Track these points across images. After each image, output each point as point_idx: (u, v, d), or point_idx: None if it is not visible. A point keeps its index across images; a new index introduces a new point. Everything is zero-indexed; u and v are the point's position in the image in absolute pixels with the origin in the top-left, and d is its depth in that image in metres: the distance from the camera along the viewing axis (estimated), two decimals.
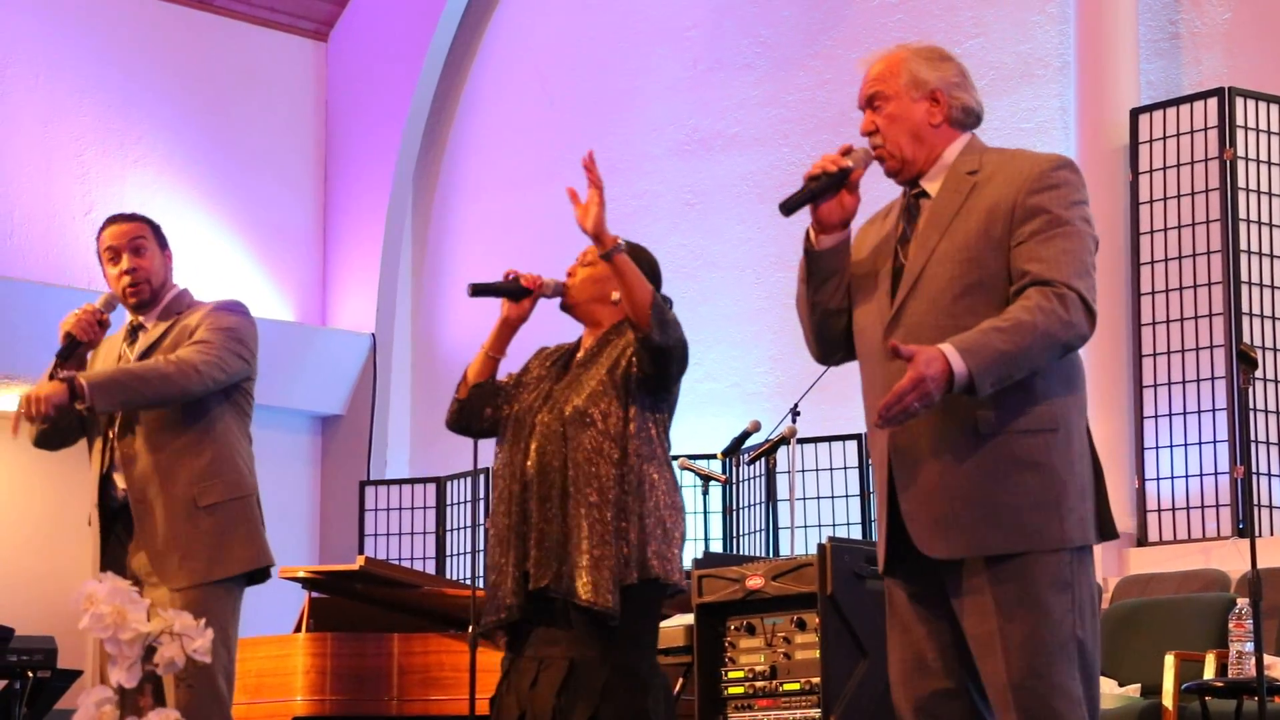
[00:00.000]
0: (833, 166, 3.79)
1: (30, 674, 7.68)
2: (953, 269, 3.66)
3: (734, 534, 9.95)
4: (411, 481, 11.53)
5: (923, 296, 3.69)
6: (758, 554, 9.23)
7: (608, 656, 4.48)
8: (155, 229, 5.28)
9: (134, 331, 5.21)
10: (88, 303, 5.12)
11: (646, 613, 4.56)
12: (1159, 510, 8.55)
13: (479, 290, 4.79)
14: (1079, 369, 3.70)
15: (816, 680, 5.25)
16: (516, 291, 4.76)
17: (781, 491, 8.73)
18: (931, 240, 3.71)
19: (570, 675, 4.48)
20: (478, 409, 4.78)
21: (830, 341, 3.90)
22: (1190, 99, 8.72)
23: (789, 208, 3.79)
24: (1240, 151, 8.44)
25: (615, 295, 4.71)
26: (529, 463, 4.62)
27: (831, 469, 9.58)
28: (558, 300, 4.81)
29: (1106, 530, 3.68)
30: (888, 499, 3.71)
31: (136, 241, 5.19)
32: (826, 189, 3.79)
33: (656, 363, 4.55)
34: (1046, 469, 3.58)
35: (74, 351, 5.08)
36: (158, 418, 5.05)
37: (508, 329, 4.79)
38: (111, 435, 5.08)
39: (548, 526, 4.54)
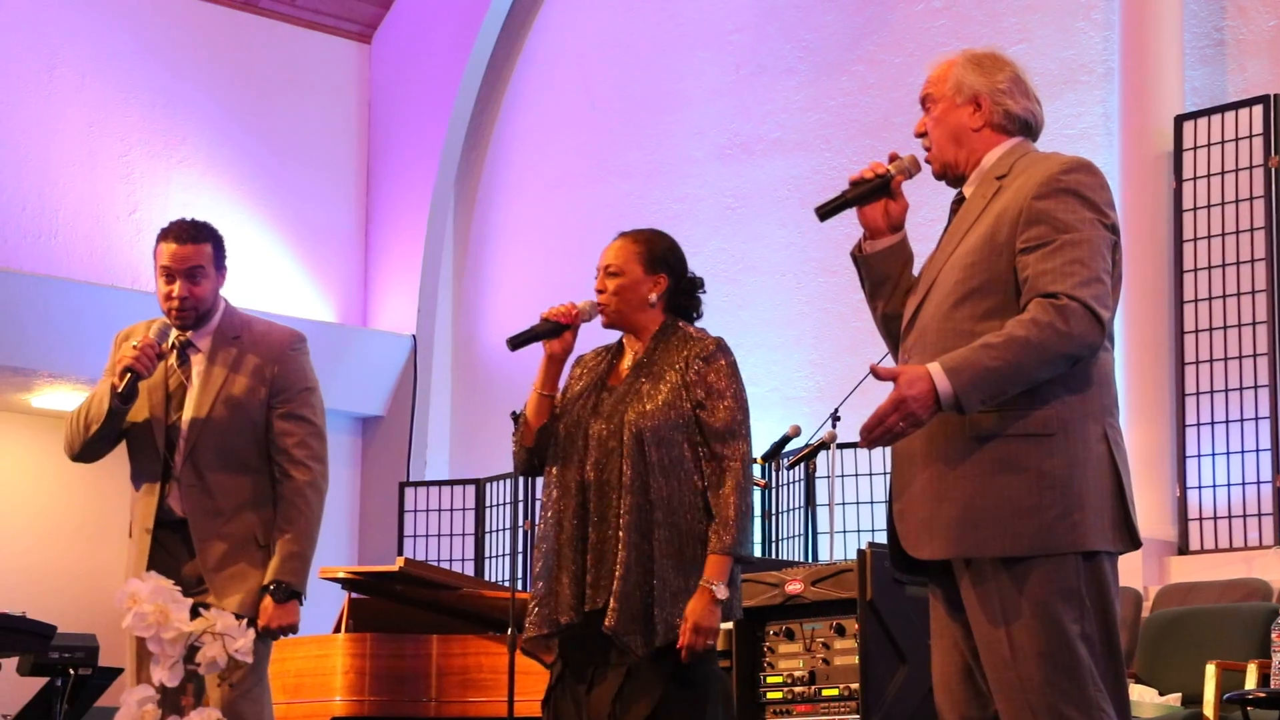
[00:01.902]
0: (870, 173, 3.81)
1: (72, 671, 7.72)
2: (958, 274, 3.67)
3: (773, 539, 9.94)
4: (451, 483, 11.55)
5: (932, 300, 3.71)
6: (797, 559, 9.22)
7: (664, 662, 4.47)
8: (217, 250, 5.14)
9: (183, 350, 5.13)
10: (145, 335, 5.02)
11: None
12: (1200, 519, 8.51)
13: (518, 343, 4.69)
14: (1096, 373, 3.63)
15: (855, 686, 5.23)
16: (554, 330, 4.69)
17: (821, 496, 8.72)
18: (951, 245, 3.73)
19: (627, 681, 4.48)
20: (546, 449, 4.71)
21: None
22: (1235, 106, 8.68)
23: (824, 213, 3.82)
24: None
25: (653, 298, 4.69)
26: (587, 477, 4.58)
27: (871, 474, 9.56)
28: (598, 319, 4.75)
29: (1129, 539, 3.62)
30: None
31: (194, 270, 5.06)
32: (865, 195, 3.81)
33: None
34: (1035, 473, 3.55)
35: (135, 388, 5.01)
36: (226, 470, 5.05)
37: (555, 365, 4.70)
38: (174, 465, 5.04)
39: (605, 547, 4.52)
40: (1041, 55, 9.67)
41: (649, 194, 11.33)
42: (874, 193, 3.82)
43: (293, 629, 5.01)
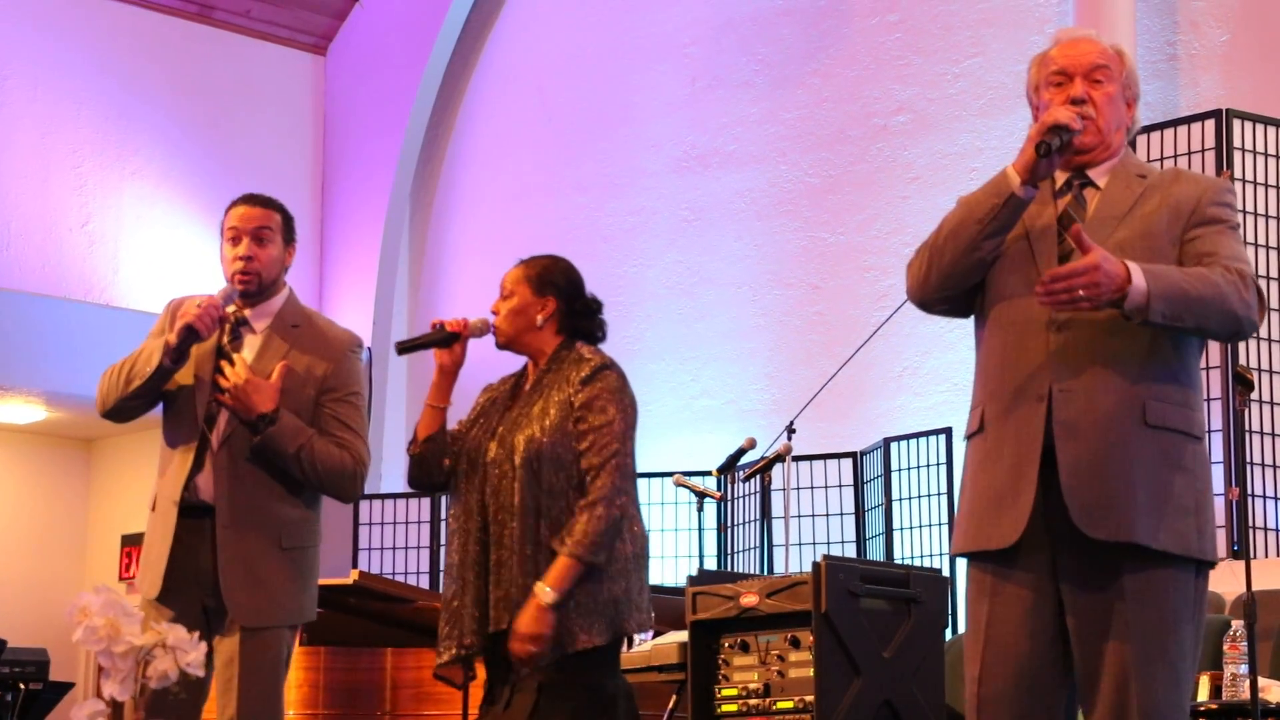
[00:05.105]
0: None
1: (22, 686, 7.67)
2: (1135, 256, 3.68)
3: (728, 551, 9.94)
4: (406, 496, 11.51)
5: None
6: (752, 571, 9.22)
7: (576, 678, 4.53)
8: (285, 220, 5.11)
9: (236, 329, 5.03)
10: (209, 295, 4.92)
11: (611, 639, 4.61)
12: None
13: (406, 348, 4.79)
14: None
15: (810, 698, 5.23)
16: (444, 339, 4.75)
17: (776, 509, 8.72)
18: (1109, 227, 3.76)
19: (540, 698, 4.52)
20: (434, 462, 4.76)
21: (955, 289, 3.85)
22: (1187, 120, 8.72)
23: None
24: (1237, 174, 8.43)
25: (539, 320, 4.74)
26: (484, 500, 4.63)
27: (826, 486, 9.57)
28: (492, 340, 4.81)
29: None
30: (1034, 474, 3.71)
31: (261, 231, 5.02)
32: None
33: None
34: (1195, 476, 3.70)
35: (190, 346, 4.88)
36: (261, 460, 4.93)
37: (445, 377, 4.76)
38: (212, 442, 4.92)
39: (503, 570, 4.56)
40: (995, 69, 9.71)
41: (605, 207, 11.33)
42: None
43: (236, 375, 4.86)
